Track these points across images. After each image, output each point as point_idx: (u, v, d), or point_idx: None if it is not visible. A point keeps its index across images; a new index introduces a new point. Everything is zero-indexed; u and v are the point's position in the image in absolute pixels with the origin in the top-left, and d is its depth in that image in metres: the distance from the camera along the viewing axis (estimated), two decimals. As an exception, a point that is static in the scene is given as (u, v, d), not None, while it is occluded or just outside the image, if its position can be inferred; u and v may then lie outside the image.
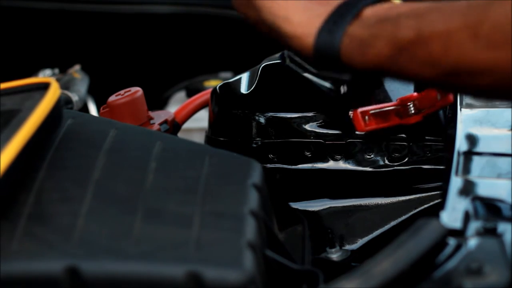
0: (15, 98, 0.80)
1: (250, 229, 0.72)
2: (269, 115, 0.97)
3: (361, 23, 0.73)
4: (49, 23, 1.62)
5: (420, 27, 0.69)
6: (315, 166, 0.96)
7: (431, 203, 0.94)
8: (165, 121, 1.05)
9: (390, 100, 0.93)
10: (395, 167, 0.95)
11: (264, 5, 0.78)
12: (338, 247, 0.93)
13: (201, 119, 1.23)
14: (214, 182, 0.78)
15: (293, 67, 0.82)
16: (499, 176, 0.79)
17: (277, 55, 1.07)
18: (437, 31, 0.68)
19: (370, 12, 0.74)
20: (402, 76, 0.72)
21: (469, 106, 0.93)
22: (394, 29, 0.70)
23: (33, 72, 1.44)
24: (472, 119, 0.90)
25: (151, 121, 1.03)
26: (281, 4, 0.77)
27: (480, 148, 0.84)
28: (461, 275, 0.65)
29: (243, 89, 1.01)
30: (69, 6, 1.61)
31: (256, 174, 0.82)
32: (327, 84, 0.78)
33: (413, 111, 0.90)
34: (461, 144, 0.85)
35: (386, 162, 0.96)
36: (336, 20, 0.74)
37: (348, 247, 0.94)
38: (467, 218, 0.72)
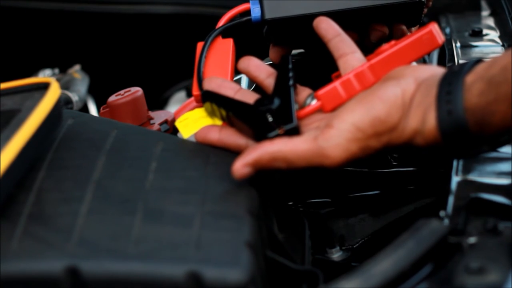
0: (15, 98, 0.80)
1: (250, 229, 0.72)
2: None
3: (472, 93, 0.71)
4: (49, 23, 1.62)
5: None
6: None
7: (431, 203, 0.94)
8: (165, 121, 1.05)
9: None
10: (395, 167, 0.95)
11: None
12: (338, 247, 0.93)
13: (201, 119, 1.23)
14: (214, 182, 0.78)
15: None
16: (499, 176, 0.79)
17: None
18: None
19: (473, 78, 0.72)
20: None
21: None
22: (508, 87, 0.69)
23: (33, 72, 1.44)
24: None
25: (151, 121, 1.03)
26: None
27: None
28: (461, 275, 0.65)
29: (243, 89, 1.01)
30: (69, 6, 1.61)
31: (256, 174, 0.82)
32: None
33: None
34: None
35: (386, 162, 0.95)
36: (449, 100, 0.72)
37: (348, 247, 0.94)
38: (467, 218, 0.72)
